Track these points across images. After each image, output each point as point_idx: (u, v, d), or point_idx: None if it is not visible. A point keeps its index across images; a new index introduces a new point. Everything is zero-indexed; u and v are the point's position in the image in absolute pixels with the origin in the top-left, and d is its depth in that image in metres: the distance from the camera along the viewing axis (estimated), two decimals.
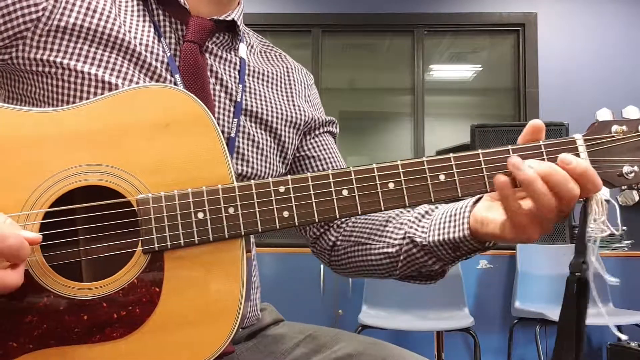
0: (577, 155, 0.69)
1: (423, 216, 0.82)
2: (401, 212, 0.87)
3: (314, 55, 4.22)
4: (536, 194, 0.64)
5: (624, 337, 2.70)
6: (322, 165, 0.97)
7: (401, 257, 0.82)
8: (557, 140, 0.70)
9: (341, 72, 4.50)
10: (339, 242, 0.92)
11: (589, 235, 0.67)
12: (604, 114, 0.71)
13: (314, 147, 0.97)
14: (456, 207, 0.78)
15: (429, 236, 0.79)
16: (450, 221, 0.77)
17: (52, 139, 0.67)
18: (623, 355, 2.68)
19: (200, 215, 0.67)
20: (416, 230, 0.81)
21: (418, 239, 0.80)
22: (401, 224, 0.84)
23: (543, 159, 0.69)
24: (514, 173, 0.66)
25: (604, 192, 0.68)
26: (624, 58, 4.05)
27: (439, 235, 0.77)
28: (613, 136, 0.70)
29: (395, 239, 0.84)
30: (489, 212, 0.72)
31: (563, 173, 0.65)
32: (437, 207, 0.83)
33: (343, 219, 0.92)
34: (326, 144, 0.99)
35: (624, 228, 3.18)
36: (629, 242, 3.15)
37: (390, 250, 0.84)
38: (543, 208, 0.65)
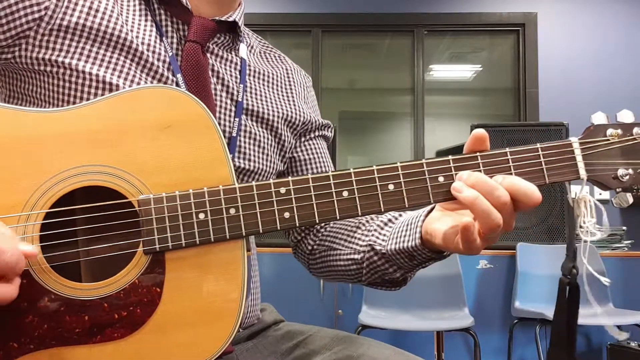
0: (574, 158, 0.70)
1: (386, 224, 0.83)
2: (372, 218, 0.88)
3: (314, 55, 4.22)
4: (481, 212, 0.65)
5: (624, 336, 2.70)
6: (311, 169, 0.98)
7: (364, 264, 0.84)
8: (553, 144, 0.70)
9: (341, 72, 4.50)
10: (315, 247, 0.93)
11: (579, 238, 0.68)
12: (599, 118, 0.72)
13: (305, 150, 0.98)
14: (413, 216, 0.78)
15: (387, 245, 0.80)
16: (406, 230, 0.77)
17: (53, 139, 0.67)
18: (623, 355, 2.68)
19: (202, 215, 0.68)
20: (377, 238, 0.82)
21: (378, 247, 0.81)
22: (368, 230, 0.85)
23: (539, 162, 0.70)
24: (456, 196, 0.67)
25: (595, 195, 0.69)
26: (624, 58, 4.05)
27: (396, 244, 0.78)
28: (608, 139, 0.71)
29: (360, 246, 0.85)
30: (436, 224, 0.72)
31: (491, 182, 0.66)
32: (401, 215, 0.83)
33: (321, 224, 0.93)
34: (317, 148, 1.00)
35: (624, 228, 3.18)
36: (629, 242, 3.15)
37: (356, 256, 0.85)
38: (488, 225, 0.65)
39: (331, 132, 1.04)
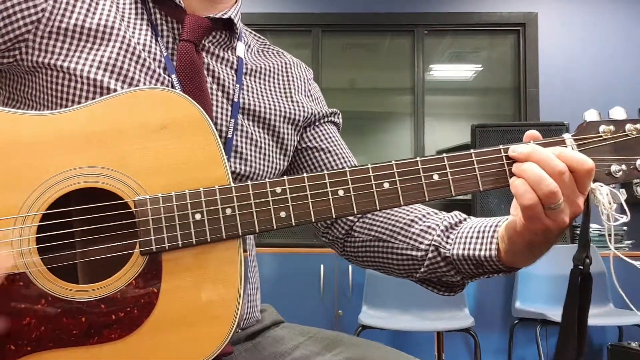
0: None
1: (452, 227, 0.82)
2: (428, 213, 0.86)
3: (314, 55, 4.22)
4: (534, 177, 0.66)
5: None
6: (326, 156, 0.96)
7: (425, 263, 0.82)
8: (547, 140, 0.71)
9: (341, 72, 4.50)
10: (356, 232, 0.91)
11: (603, 225, 0.69)
12: (592, 115, 0.72)
13: (316, 138, 0.96)
14: (485, 225, 0.77)
15: (453, 249, 0.79)
16: (477, 237, 0.77)
17: (50, 141, 0.67)
18: (623, 355, 2.67)
19: (198, 216, 0.68)
20: (442, 239, 0.81)
21: (442, 250, 0.80)
22: (428, 227, 0.84)
23: None
24: (520, 175, 0.68)
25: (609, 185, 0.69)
26: (624, 58, 4.04)
27: (463, 249, 0.77)
28: (601, 136, 0.71)
29: (421, 243, 0.83)
30: (508, 224, 0.73)
31: (546, 152, 0.67)
32: (465, 219, 0.83)
33: None
34: (329, 134, 0.98)
35: (624, 228, 3.17)
36: (629, 242, 3.15)
37: (415, 253, 0.83)
38: (541, 192, 0.65)
39: (339, 118, 1.02)
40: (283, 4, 4.22)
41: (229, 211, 0.68)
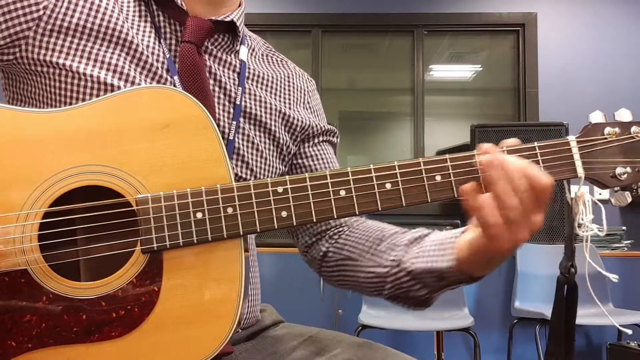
0: (571, 156, 0.70)
1: (413, 242, 0.82)
2: (396, 232, 0.86)
3: (314, 55, 4.22)
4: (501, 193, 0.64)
5: (628, 331, 2.69)
6: None
7: (389, 280, 0.82)
8: (551, 142, 0.70)
9: (341, 72, 4.50)
10: (330, 254, 0.91)
11: (577, 234, 0.68)
12: (597, 117, 0.72)
13: (310, 156, 0.96)
14: (445, 237, 0.77)
15: (415, 262, 0.78)
16: (437, 249, 0.76)
17: (52, 139, 0.67)
18: (623, 355, 2.68)
19: (199, 215, 0.68)
20: (404, 254, 0.81)
21: (404, 265, 0.80)
22: (394, 245, 0.84)
23: (537, 160, 0.70)
24: (485, 171, 0.66)
25: (595, 195, 0.70)
26: (624, 58, 4.04)
27: (425, 263, 0.77)
28: (606, 138, 0.71)
29: (386, 260, 0.83)
30: (467, 236, 0.72)
31: (512, 168, 0.64)
32: (430, 233, 0.82)
33: (335, 229, 0.92)
34: (323, 154, 0.98)
35: (624, 228, 3.18)
36: (629, 242, 3.15)
37: (380, 270, 0.83)
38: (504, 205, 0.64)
39: (337, 138, 1.02)
40: (283, 4, 4.22)
41: (230, 210, 0.68)
